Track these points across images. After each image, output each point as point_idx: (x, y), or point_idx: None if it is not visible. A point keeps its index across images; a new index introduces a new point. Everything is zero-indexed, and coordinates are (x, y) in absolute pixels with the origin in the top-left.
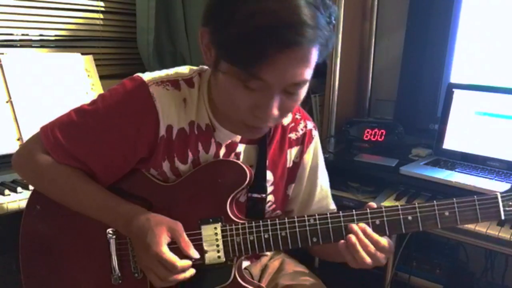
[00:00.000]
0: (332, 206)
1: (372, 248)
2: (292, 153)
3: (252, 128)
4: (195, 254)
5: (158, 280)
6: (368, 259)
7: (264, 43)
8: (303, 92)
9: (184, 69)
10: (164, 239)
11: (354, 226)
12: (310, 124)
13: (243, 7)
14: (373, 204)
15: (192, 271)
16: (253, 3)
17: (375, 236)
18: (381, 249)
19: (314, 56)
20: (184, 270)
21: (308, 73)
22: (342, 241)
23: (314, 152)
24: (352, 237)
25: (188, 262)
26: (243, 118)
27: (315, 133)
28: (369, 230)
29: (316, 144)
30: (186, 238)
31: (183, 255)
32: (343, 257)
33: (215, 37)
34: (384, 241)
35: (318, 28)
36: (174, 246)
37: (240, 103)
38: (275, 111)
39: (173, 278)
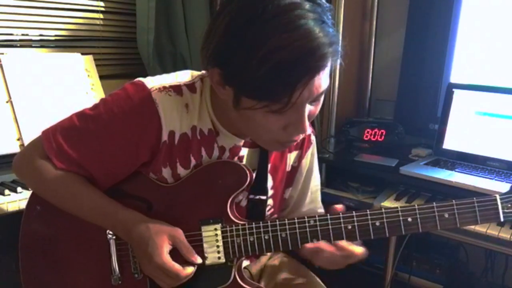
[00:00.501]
0: (321, 210)
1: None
2: (291, 157)
3: (285, 142)
4: (198, 260)
5: (165, 285)
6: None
7: (290, 77)
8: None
9: (186, 74)
10: (166, 248)
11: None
12: (309, 130)
13: (259, 48)
14: (339, 207)
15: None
16: (266, 42)
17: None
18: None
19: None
20: (188, 276)
21: (328, 79)
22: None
23: (311, 157)
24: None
25: (191, 269)
26: (276, 138)
27: (313, 138)
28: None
29: (313, 149)
30: (188, 244)
31: (184, 259)
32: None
33: (232, 78)
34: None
35: (333, 42)
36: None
37: (272, 127)
38: (307, 123)
39: (178, 283)
